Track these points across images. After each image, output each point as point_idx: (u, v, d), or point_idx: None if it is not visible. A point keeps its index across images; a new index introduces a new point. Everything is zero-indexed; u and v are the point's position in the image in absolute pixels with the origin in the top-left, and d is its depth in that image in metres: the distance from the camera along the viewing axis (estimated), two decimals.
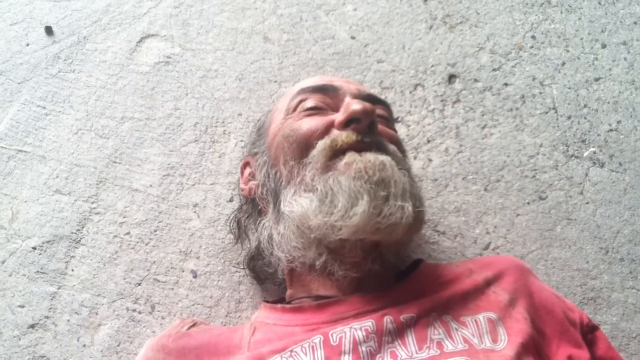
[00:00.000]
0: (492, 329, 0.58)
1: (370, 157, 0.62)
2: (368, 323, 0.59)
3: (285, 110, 0.74)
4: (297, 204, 0.63)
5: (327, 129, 0.67)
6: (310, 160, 0.64)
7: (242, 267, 0.84)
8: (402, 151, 0.71)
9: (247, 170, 0.80)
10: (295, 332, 0.61)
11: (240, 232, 0.83)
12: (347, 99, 0.69)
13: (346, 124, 0.65)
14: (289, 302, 0.69)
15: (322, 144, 0.65)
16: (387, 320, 0.59)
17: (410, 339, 0.57)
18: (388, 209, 0.58)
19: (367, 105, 0.65)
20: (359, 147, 0.64)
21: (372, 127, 0.66)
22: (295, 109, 0.72)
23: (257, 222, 0.76)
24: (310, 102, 0.71)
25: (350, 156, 0.62)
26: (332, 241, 0.62)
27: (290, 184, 0.66)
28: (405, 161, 0.70)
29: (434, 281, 0.66)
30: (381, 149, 0.65)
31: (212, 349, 0.64)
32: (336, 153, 0.64)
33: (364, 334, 0.58)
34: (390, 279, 0.69)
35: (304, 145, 0.66)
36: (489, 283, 0.65)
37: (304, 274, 0.68)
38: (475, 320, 0.59)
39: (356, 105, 0.64)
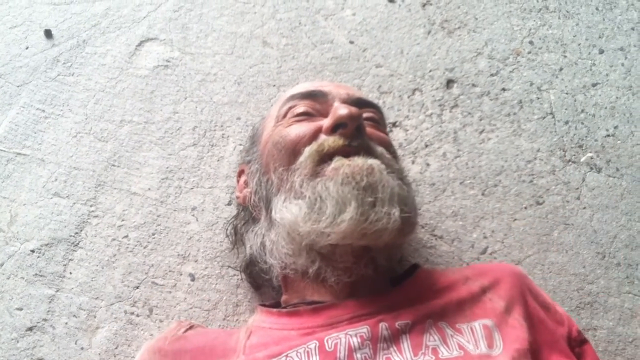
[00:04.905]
0: (487, 335, 0.58)
1: (358, 161, 0.62)
2: (363, 329, 0.59)
3: (275, 117, 0.74)
4: (287, 210, 0.63)
5: (315, 135, 0.67)
6: (299, 167, 0.64)
7: (239, 270, 0.84)
8: (392, 153, 0.71)
9: (242, 178, 0.80)
10: (290, 336, 0.61)
11: (236, 238, 0.84)
12: (336, 104, 0.69)
13: (333, 129, 0.66)
14: (285, 307, 0.70)
15: (309, 150, 0.65)
16: (382, 326, 0.59)
17: (406, 344, 0.58)
18: (374, 214, 0.58)
19: (353, 109, 0.65)
20: (346, 152, 0.64)
21: (360, 131, 0.66)
22: (285, 116, 0.72)
23: (251, 229, 0.76)
24: (299, 108, 0.71)
25: (337, 161, 0.62)
26: (323, 247, 0.62)
27: (280, 190, 0.66)
28: (395, 163, 0.69)
29: (429, 287, 0.66)
30: (369, 152, 0.65)
31: (208, 352, 0.64)
32: (323, 158, 0.64)
33: (359, 340, 0.58)
34: (385, 283, 0.70)
35: (291, 152, 0.67)
36: (484, 290, 0.65)
37: (298, 281, 0.69)
38: (471, 327, 0.59)
39: (342, 110, 0.64)
